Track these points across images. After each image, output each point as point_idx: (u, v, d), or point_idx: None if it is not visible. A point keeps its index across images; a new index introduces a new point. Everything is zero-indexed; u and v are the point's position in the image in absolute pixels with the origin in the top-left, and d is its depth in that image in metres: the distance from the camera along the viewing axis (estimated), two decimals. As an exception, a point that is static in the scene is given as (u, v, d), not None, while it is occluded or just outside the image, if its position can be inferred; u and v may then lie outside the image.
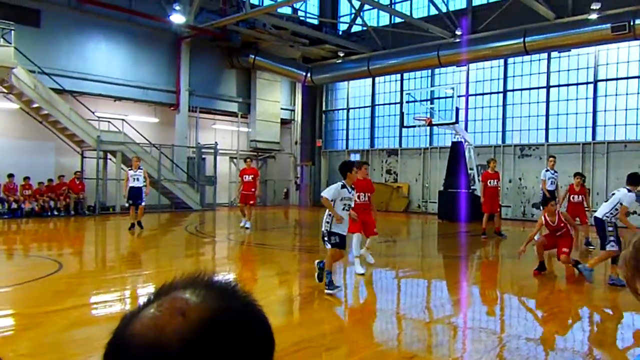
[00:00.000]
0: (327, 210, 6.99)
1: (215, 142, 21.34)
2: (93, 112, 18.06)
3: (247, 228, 13.72)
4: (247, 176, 14.16)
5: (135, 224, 13.28)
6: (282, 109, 24.73)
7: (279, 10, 20.03)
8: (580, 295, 7.62)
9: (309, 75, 22.77)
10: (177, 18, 18.27)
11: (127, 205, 13.72)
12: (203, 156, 21.59)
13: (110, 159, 18.43)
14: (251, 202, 14.06)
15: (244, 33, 21.01)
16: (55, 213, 16.96)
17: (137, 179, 13.30)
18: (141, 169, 13.63)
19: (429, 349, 5.00)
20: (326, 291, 6.84)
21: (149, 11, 18.95)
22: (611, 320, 6.36)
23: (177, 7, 18.09)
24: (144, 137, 19.26)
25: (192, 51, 21.01)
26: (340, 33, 23.76)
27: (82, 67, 18.31)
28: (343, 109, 25.43)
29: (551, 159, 13.39)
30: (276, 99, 24.32)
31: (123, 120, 18.79)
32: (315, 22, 23.50)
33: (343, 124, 25.44)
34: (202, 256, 10.81)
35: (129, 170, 13.80)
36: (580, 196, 11.23)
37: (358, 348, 4.93)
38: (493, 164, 13.14)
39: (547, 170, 12.93)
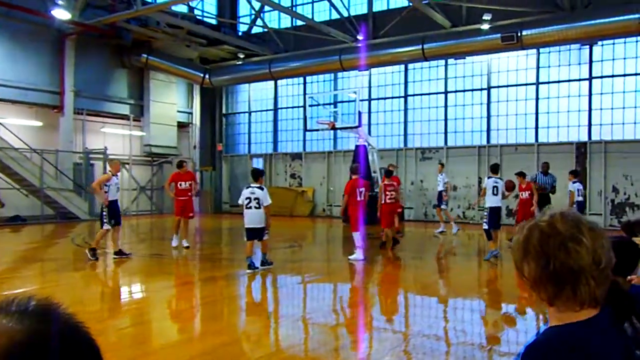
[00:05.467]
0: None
1: (105, 147, 20.39)
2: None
3: (186, 247, 11.79)
4: (183, 183, 12.03)
5: (120, 249, 10.82)
6: (178, 111, 24.13)
7: (174, 8, 19.58)
8: (479, 289, 8.15)
9: (207, 76, 22.45)
10: (61, 13, 17.28)
11: (109, 227, 10.46)
12: (91, 162, 20.54)
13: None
14: (191, 214, 12.21)
15: (135, 31, 20.29)
16: None
17: (118, 189, 10.82)
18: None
19: (335, 352, 5.12)
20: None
21: (29, 5, 17.76)
22: (509, 313, 6.87)
23: (60, 2, 17.08)
24: (23, 142, 18.00)
25: (78, 49, 19.95)
26: (240, 34, 23.68)
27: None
28: (244, 112, 25.32)
29: (440, 166, 15.87)
30: (172, 101, 23.71)
31: (-1, 123, 17.47)
32: (214, 21, 23.24)
33: (245, 127, 25.34)
34: (92, 270, 10.27)
35: (113, 176, 10.57)
36: (526, 192, 12.05)
37: (261, 357, 4.95)
38: (392, 168, 14.01)
39: (442, 174, 15.42)
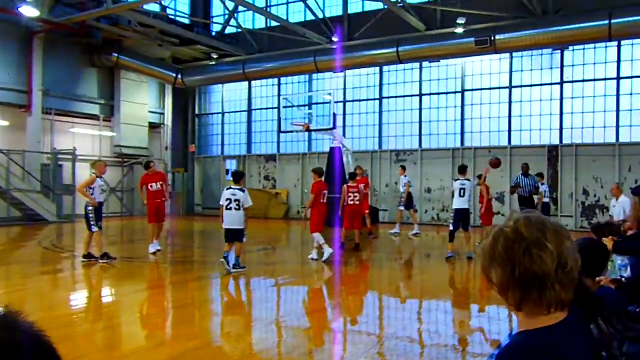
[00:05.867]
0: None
1: (74, 148, 20.04)
2: None
3: (158, 250, 11.40)
4: (153, 184, 11.49)
5: (106, 254, 10.35)
6: (150, 112, 23.85)
7: (146, 7, 19.36)
8: (453, 291, 8.23)
9: (179, 77, 22.24)
10: (29, 11, 16.91)
11: (97, 229, 10.12)
12: (60, 163, 20.15)
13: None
14: (163, 219, 11.79)
15: (106, 30, 19.98)
16: None
17: (103, 191, 10.44)
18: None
19: (309, 355, 5.11)
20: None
21: (-5, 2, 17.39)
22: (480, 313, 6.96)
23: (29, -1, 16.76)
24: (-12, 142, 17.60)
25: (46, 48, 19.57)
26: (214, 34, 23.52)
27: None
28: (218, 113, 25.16)
29: (401, 168, 16.47)
30: (143, 102, 23.41)
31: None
32: (187, 21, 23.04)
33: (218, 128, 25.17)
34: (59, 273, 10.08)
35: (97, 178, 10.23)
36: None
37: None
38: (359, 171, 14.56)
39: (405, 177, 16.06)
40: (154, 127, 24.26)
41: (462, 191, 10.76)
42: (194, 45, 21.97)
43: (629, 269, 4.05)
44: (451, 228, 10.79)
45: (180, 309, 7.05)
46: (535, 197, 13.29)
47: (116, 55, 21.17)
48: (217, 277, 9.29)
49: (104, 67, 21.92)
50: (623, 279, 3.77)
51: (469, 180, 11.19)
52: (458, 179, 11.09)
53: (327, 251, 10.41)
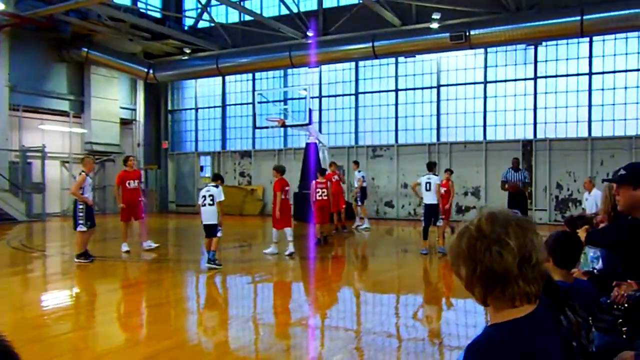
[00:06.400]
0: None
1: (43, 145, 19.67)
2: None
3: (152, 247, 11.46)
4: (131, 182, 11.36)
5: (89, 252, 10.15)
6: (121, 107, 23.52)
7: (116, 0, 19.06)
8: (430, 285, 8.33)
9: (151, 71, 21.95)
10: (-6, 4, 16.55)
11: (84, 229, 9.89)
12: (29, 160, 19.76)
13: None
14: (143, 215, 11.74)
15: (75, 24, 19.62)
16: None
17: (92, 188, 10.27)
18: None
19: (287, 352, 5.13)
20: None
21: (-43, -7, 16.93)
22: (455, 307, 7.06)
23: (-7, -8, 16.38)
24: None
25: (13, 42, 19.12)
26: (186, 28, 23.28)
27: None
28: (191, 109, 24.95)
29: (354, 164, 17.19)
30: (114, 97, 23.09)
31: None
32: (158, 15, 22.76)
33: (192, 124, 24.97)
34: (30, 273, 9.91)
35: (86, 176, 10.01)
36: (444, 189, 12.39)
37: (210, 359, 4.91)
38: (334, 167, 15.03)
39: (359, 172, 16.58)
40: (125, 123, 23.94)
41: (428, 185, 10.94)
42: (166, 40, 21.73)
43: (600, 260, 4.16)
44: (423, 225, 11.05)
45: (155, 307, 7.00)
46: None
47: (86, 49, 20.82)
48: (193, 275, 9.26)
49: (73, 62, 21.54)
50: (595, 271, 3.87)
51: (435, 174, 11.30)
52: (426, 174, 11.26)
53: (272, 249, 10.79)
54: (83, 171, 10.14)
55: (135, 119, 24.46)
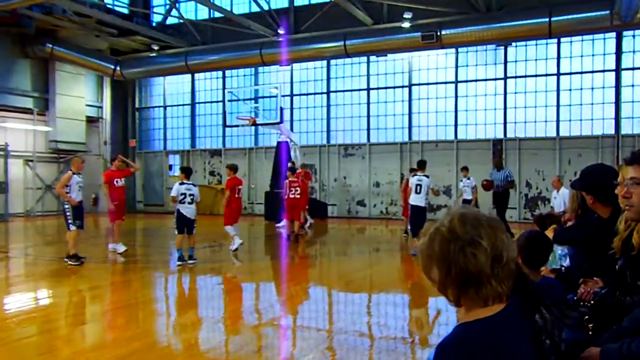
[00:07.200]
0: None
1: (6, 143, 19.24)
2: None
3: (123, 251, 11.09)
4: (119, 180, 11.22)
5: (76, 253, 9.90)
6: (87, 105, 23.11)
7: (81, -5, 18.68)
8: (402, 284, 8.41)
9: (118, 68, 21.61)
10: (-48, -4, 16.06)
11: (74, 228, 9.74)
12: (-10, 159, 19.29)
13: None
14: (123, 216, 11.58)
15: (39, 19, 19.19)
16: None
17: (81, 188, 9.96)
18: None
19: (258, 352, 5.12)
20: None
21: None
22: (424, 306, 7.15)
23: (-48, -17, 15.88)
24: None
25: (-27, 36, 18.66)
26: (154, 24, 22.98)
27: None
28: (160, 107, 24.66)
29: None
30: (80, 95, 22.67)
31: None
32: (125, 11, 22.42)
33: (160, 122, 24.67)
34: (-9, 276, 9.67)
35: (74, 174, 9.81)
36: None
37: None
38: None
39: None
40: (91, 121, 23.54)
41: (419, 187, 10.57)
42: (134, 36, 21.41)
43: (568, 258, 4.26)
44: (409, 227, 10.93)
45: (122, 309, 6.91)
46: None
47: (50, 45, 20.37)
48: (162, 275, 9.16)
49: (37, 58, 21.07)
50: (562, 269, 3.96)
51: (426, 176, 10.91)
52: (415, 175, 11.01)
53: (237, 242, 11.12)
54: (70, 170, 10.02)
55: (102, 117, 24.08)
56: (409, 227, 12.60)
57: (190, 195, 9.88)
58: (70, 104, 22.10)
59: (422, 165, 11.17)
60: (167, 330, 6.14)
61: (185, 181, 10.03)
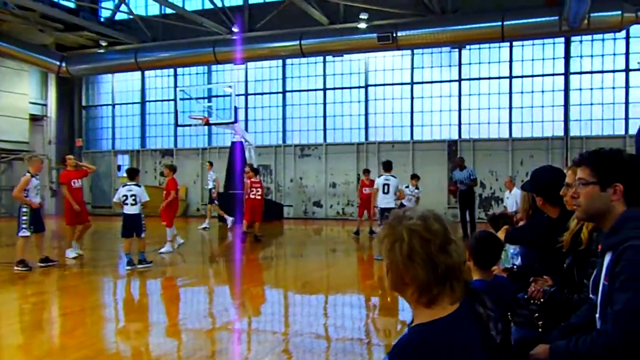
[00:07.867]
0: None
1: (-59, 142, 18.43)
2: None
3: (80, 255, 10.89)
4: (76, 181, 10.83)
5: (47, 256, 9.81)
6: (31, 103, 22.41)
7: (25, -13, 18.06)
8: (359, 285, 8.48)
9: (64, 65, 21.02)
10: None
11: (28, 234, 9.33)
12: None
13: None
14: (88, 220, 11.21)
15: (-22, 12, 18.51)
16: None
17: (39, 191, 9.56)
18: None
19: (212, 357, 5.08)
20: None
21: None
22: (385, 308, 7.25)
23: None
24: None
25: None
26: (103, 20, 22.46)
27: None
28: (108, 105, 24.14)
29: (208, 164, 17.52)
30: (23, 91, 21.98)
31: None
32: (72, 5, 21.82)
33: (108, 121, 24.15)
34: None
35: (31, 177, 9.33)
36: (369, 188, 12.60)
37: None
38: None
39: (212, 172, 16.84)
40: (35, 119, 22.84)
41: (386, 187, 10.71)
42: (80, 32, 20.85)
43: (519, 257, 4.41)
44: (360, 228, 11.06)
45: (69, 315, 6.72)
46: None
47: (-9, 40, 19.65)
48: (110, 280, 8.97)
49: (-23, 53, 20.30)
50: (514, 267, 4.10)
51: (394, 176, 11.14)
52: (382, 175, 11.12)
53: (167, 247, 11.43)
54: (28, 171, 9.51)
55: (47, 115, 23.40)
56: (360, 229, 12.75)
57: (132, 195, 9.61)
58: (12, 101, 21.39)
59: (387, 166, 11.35)
60: (116, 337, 6.01)
61: (127, 182, 9.86)
